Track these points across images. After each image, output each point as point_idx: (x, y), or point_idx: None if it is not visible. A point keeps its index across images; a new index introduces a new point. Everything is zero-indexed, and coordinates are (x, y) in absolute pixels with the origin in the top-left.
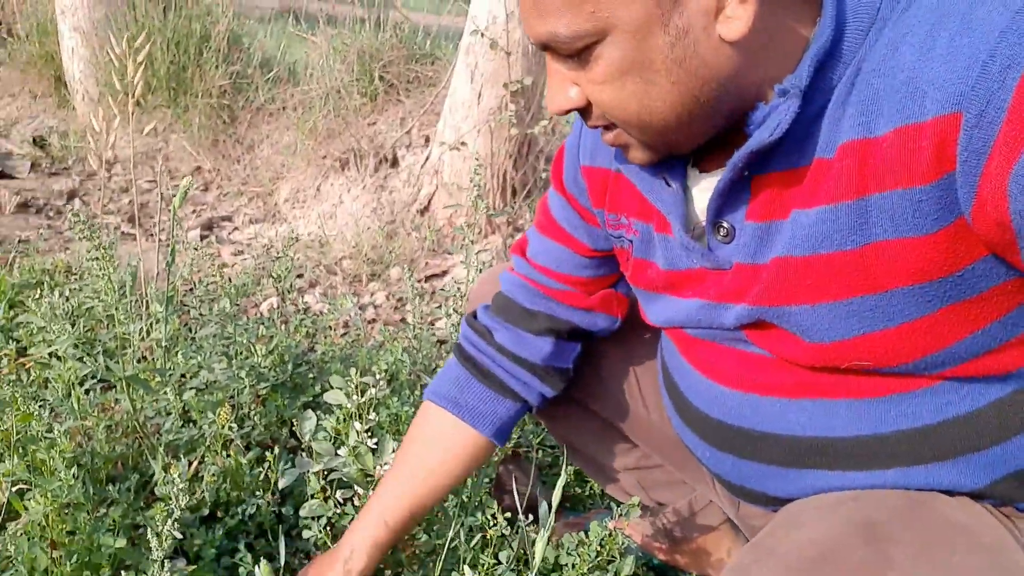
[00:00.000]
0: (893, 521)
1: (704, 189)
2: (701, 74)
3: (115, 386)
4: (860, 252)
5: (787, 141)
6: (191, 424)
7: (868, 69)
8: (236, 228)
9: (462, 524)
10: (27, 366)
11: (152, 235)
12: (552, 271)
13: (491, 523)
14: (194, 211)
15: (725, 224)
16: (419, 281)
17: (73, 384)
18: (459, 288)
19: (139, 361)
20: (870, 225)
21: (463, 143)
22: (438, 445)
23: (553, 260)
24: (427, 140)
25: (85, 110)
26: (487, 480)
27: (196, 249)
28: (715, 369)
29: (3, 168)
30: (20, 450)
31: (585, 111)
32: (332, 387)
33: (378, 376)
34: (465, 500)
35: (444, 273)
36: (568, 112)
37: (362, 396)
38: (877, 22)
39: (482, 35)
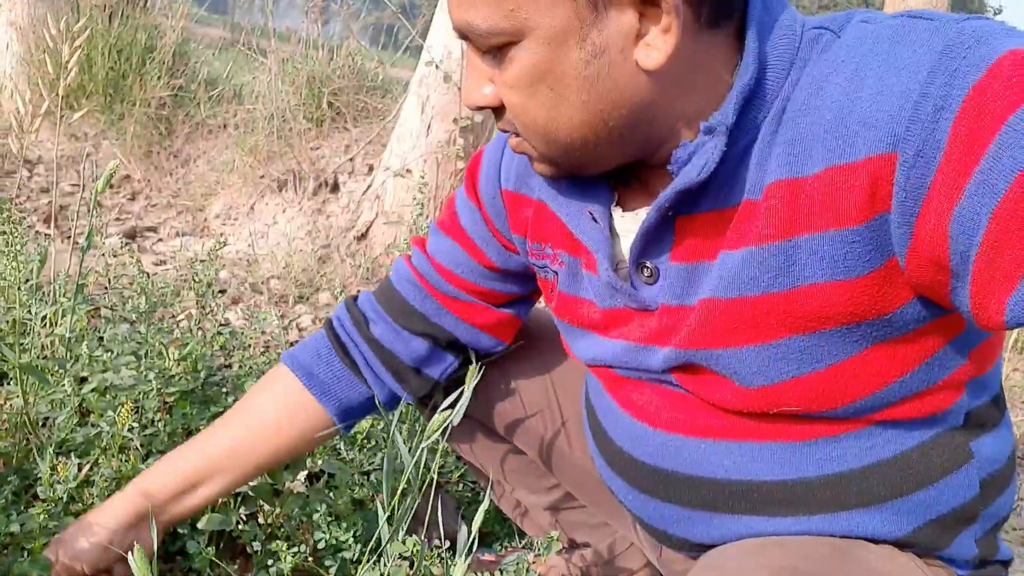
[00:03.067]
0: (817, 569)
1: (627, 229)
2: (611, 98)
3: (7, 377)
4: (788, 294)
5: (713, 181)
6: (88, 424)
7: (794, 108)
8: (160, 239)
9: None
10: None
11: (68, 237)
12: (450, 273)
13: (423, 552)
14: (118, 219)
15: (648, 265)
16: None
17: None
18: None
19: (39, 357)
20: (799, 267)
21: (408, 171)
22: (279, 405)
23: (452, 262)
24: (371, 169)
25: (12, 108)
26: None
27: (115, 255)
28: (640, 408)
29: None
30: None
31: (498, 111)
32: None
33: None
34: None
35: None
36: (482, 109)
37: None
38: (798, 61)
39: (436, 67)
